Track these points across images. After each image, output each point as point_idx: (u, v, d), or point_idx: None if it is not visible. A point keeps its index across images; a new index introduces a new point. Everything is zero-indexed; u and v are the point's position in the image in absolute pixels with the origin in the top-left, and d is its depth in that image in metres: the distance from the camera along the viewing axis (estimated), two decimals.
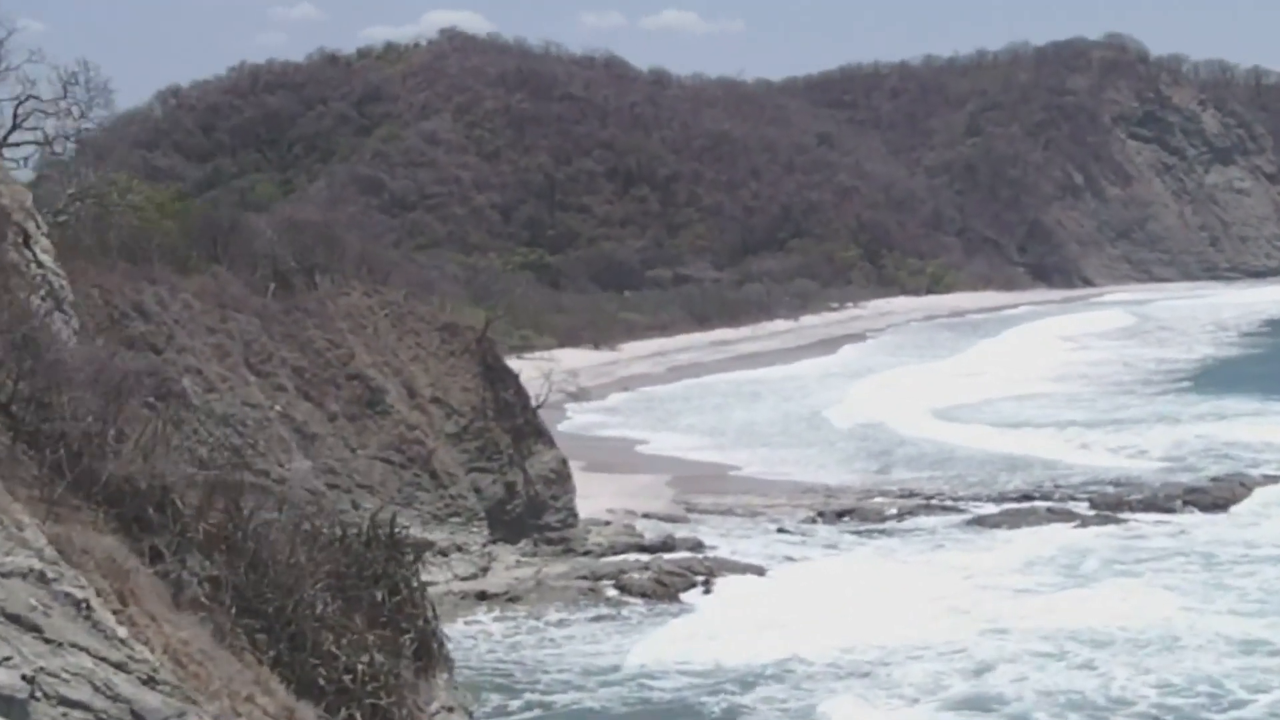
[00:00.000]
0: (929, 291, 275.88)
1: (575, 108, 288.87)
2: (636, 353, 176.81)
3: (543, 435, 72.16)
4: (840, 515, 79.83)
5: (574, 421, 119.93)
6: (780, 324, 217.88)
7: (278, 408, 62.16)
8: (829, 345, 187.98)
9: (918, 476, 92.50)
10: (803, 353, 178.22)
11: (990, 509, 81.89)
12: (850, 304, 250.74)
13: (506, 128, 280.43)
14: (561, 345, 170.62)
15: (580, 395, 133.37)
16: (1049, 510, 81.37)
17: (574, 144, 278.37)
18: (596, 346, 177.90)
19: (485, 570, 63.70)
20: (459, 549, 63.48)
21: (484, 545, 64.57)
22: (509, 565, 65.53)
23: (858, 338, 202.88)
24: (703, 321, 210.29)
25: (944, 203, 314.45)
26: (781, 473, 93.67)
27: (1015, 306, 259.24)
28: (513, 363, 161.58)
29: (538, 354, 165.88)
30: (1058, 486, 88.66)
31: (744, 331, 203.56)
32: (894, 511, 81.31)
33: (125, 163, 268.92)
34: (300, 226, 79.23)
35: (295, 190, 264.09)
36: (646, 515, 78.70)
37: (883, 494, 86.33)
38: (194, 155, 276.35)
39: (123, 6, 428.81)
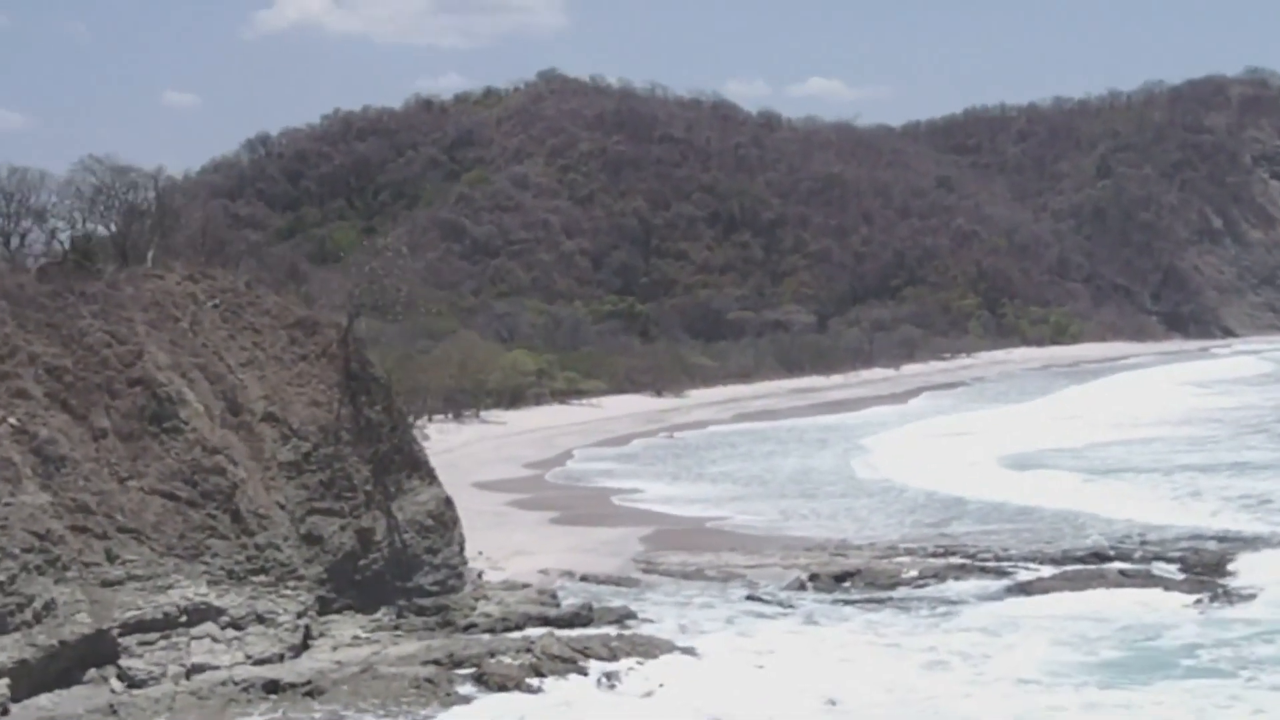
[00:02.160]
0: (1052, 342, 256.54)
1: (675, 150, 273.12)
2: (704, 399, 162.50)
3: (419, 467, 54.29)
4: (841, 578, 61.44)
5: (570, 469, 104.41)
6: (879, 372, 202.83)
7: (12, 420, 45.24)
8: (915, 393, 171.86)
9: (969, 531, 73.89)
10: (882, 400, 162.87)
11: (1046, 571, 63.11)
12: (963, 354, 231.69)
13: (601, 171, 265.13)
14: (621, 391, 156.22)
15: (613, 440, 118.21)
16: (1122, 574, 62.39)
17: (673, 187, 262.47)
18: (659, 393, 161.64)
19: (296, 650, 46.30)
20: (260, 619, 46.17)
21: (301, 615, 47.09)
22: (340, 644, 48.06)
23: (951, 386, 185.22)
24: (793, 369, 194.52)
25: (1071, 248, 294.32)
26: (785, 527, 75.80)
27: (1143, 356, 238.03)
28: (552, 409, 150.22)
29: (585, 400, 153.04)
30: (1144, 543, 69.35)
31: (835, 379, 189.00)
32: (913, 574, 62.82)
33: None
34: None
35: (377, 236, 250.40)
36: (586, 578, 60.92)
37: (909, 552, 67.74)
38: (278, 203, 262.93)
39: (233, 56, 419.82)
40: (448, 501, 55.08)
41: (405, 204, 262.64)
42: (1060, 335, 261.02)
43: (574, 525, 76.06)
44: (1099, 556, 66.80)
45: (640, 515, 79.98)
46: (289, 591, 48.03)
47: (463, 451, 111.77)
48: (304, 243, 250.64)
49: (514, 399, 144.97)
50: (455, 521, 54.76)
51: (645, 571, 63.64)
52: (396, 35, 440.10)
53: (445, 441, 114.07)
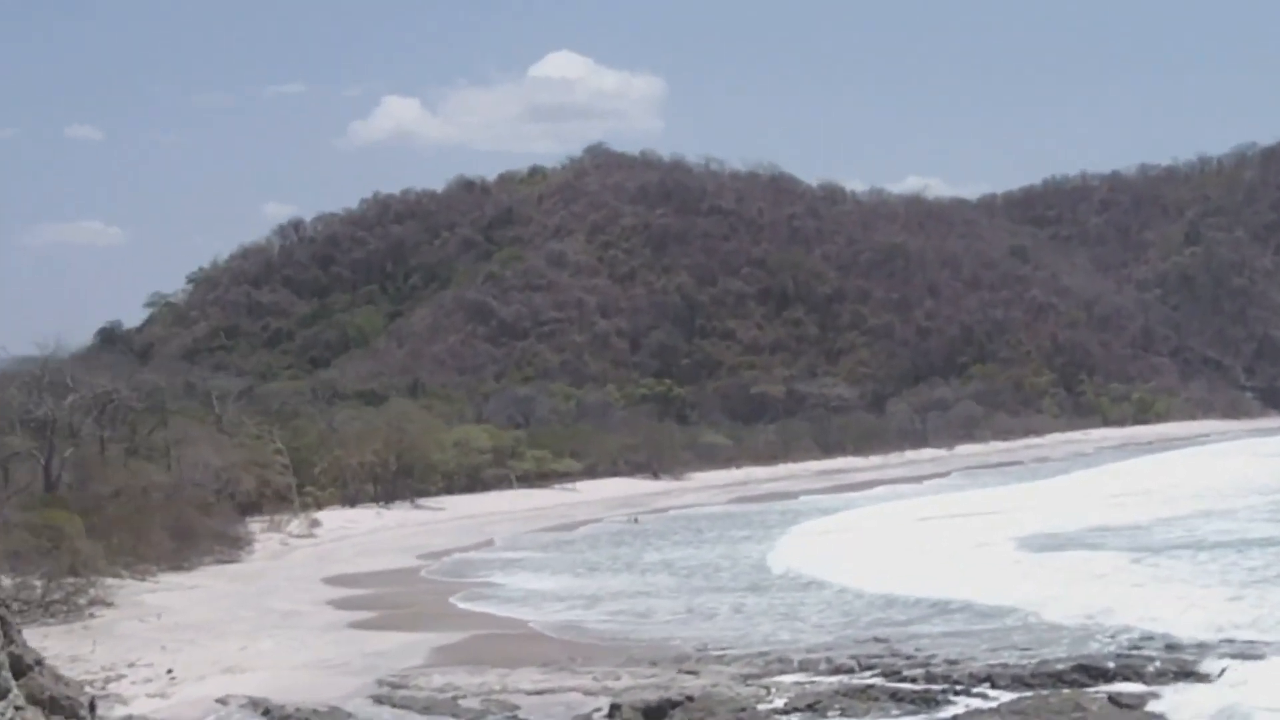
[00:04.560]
0: (1136, 421, 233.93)
1: (724, 222, 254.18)
2: (707, 482, 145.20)
3: None
4: (657, 712, 41.31)
5: (461, 560, 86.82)
6: (928, 453, 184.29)
7: None
8: (948, 473, 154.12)
9: (921, 635, 53.82)
10: (904, 480, 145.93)
11: (1001, 698, 42.60)
12: (1032, 434, 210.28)
13: (644, 246, 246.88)
14: (614, 473, 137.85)
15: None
16: (1114, 702, 41.74)
17: (720, 262, 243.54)
18: (656, 475, 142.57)
19: None
20: None
21: None
22: None
23: (1004, 465, 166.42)
24: (832, 451, 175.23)
25: (1156, 320, 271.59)
26: (649, 630, 56.38)
27: (1234, 432, 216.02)
28: (512, 494, 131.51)
29: (561, 484, 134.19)
30: (1170, 650, 48.29)
31: (873, 460, 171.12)
32: (776, 705, 42.55)
33: (224, 300, 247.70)
34: None
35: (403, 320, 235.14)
36: (270, 711, 41.47)
37: (803, 666, 47.57)
38: (306, 289, 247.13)
39: (330, 167, 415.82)
40: None
41: (437, 286, 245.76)
42: (1144, 413, 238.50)
43: (373, 630, 57.78)
44: (1089, 673, 45.87)
45: (468, 618, 61.22)
46: None
47: (357, 540, 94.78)
48: (327, 329, 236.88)
49: (473, 481, 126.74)
50: None
51: (378, 701, 44.06)
52: (490, 143, 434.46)
53: (352, 528, 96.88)
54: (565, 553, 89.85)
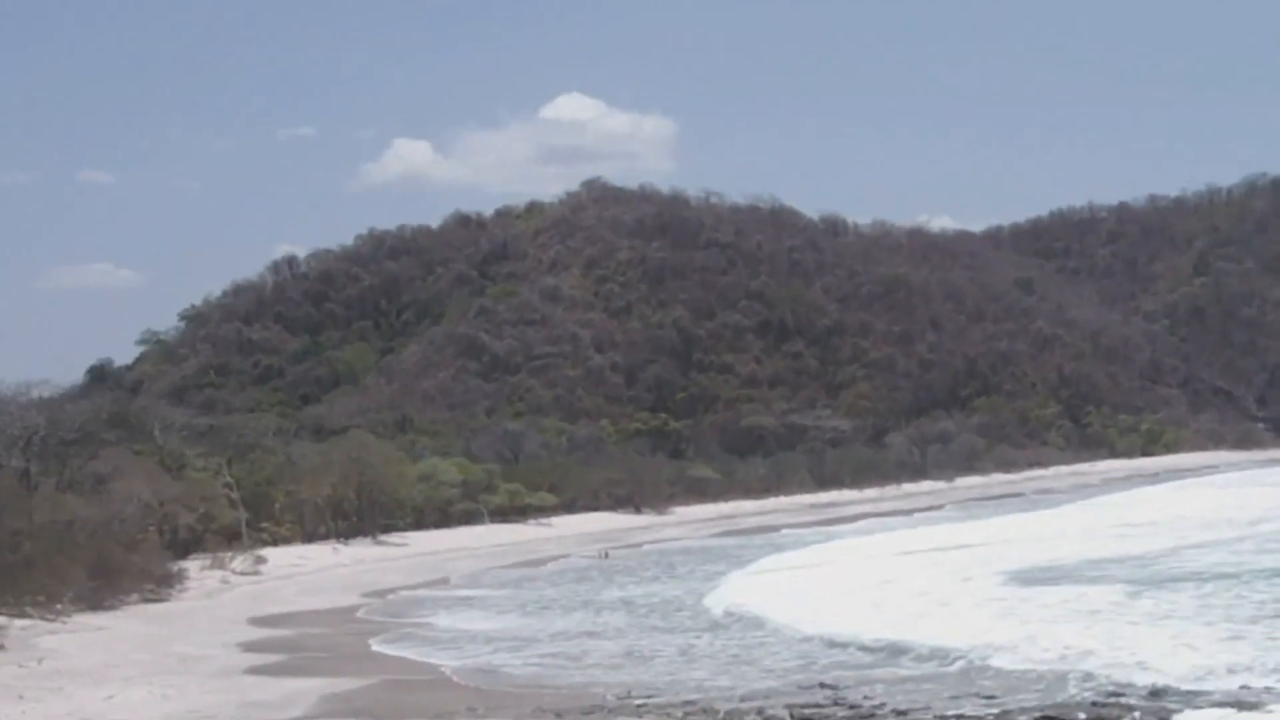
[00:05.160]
0: (1144, 453, 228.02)
1: (722, 255, 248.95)
2: (692, 516, 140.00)
3: None
4: None
5: (405, 598, 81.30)
6: (927, 485, 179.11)
7: None
8: (942, 506, 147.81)
9: (874, 680, 48.10)
10: (896, 512, 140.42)
11: None
12: (1037, 466, 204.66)
13: (641, 280, 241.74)
14: (595, 507, 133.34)
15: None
16: None
17: (718, 296, 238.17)
18: (639, 510, 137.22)
19: None
20: None
21: None
22: None
23: (1004, 497, 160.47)
24: (827, 484, 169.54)
25: (1165, 350, 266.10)
26: (571, 674, 50.79)
27: (1244, 463, 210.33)
28: (483, 529, 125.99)
29: (535, 519, 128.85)
30: (1154, 694, 42.46)
31: (869, 493, 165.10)
32: None
33: (215, 337, 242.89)
34: None
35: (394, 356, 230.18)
36: None
37: (729, 719, 41.94)
38: (298, 326, 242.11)
39: (341, 209, 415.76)
40: None
41: (430, 322, 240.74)
42: (1153, 445, 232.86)
43: (269, 676, 52.28)
44: None
45: (380, 662, 55.85)
46: None
47: (305, 578, 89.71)
48: (317, 366, 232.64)
49: (445, 516, 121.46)
50: None
51: None
52: (501, 184, 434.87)
53: (303, 565, 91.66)
54: (523, 590, 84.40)
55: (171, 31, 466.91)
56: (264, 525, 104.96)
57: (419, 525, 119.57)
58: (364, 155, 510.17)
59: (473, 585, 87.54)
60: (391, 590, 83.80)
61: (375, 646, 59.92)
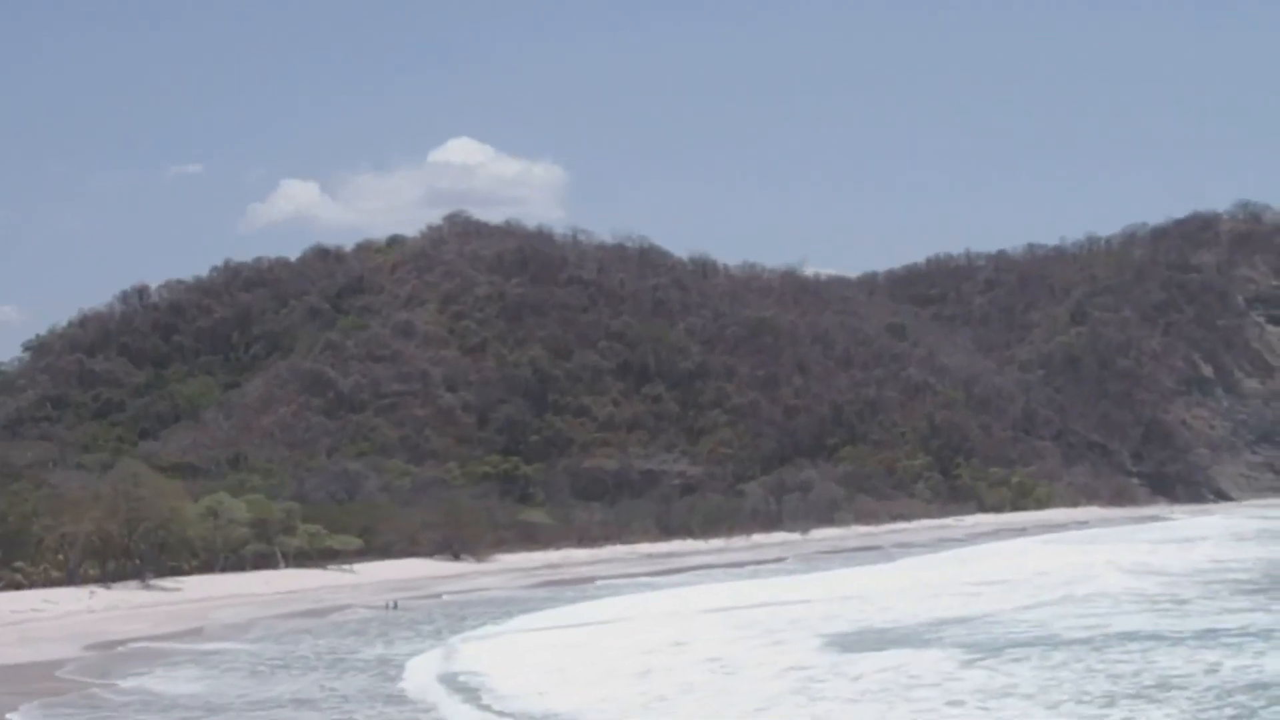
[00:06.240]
0: (1015, 506, 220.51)
1: (583, 293, 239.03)
2: (515, 564, 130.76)
3: None
4: None
5: (127, 653, 70.28)
6: (780, 536, 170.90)
7: None
8: (783, 560, 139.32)
9: None
10: (734, 566, 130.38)
11: None
12: (901, 519, 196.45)
13: (498, 317, 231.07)
14: (412, 553, 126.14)
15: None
16: None
17: (577, 335, 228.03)
18: (457, 556, 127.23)
19: None
20: None
21: None
22: None
23: (860, 550, 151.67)
24: (673, 532, 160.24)
25: (1039, 401, 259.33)
26: None
27: (1116, 519, 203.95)
28: (272, 574, 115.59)
29: (336, 564, 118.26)
30: None
31: (714, 544, 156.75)
32: None
33: (55, 368, 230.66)
34: None
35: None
36: None
37: None
38: (145, 358, 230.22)
39: (228, 249, 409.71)
40: None
41: (280, 355, 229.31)
42: (1024, 499, 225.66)
43: None
44: None
45: None
46: None
47: (33, 625, 79.92)
48: (159, 401, 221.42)
49: (239, 559, 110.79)
50: None
51: None
52: (391, 227, 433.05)
53: (42, 612, 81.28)
54: (280, 644, 74.16)
55: (59, 67, 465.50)
56: (17, 565, 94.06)
57: (208, 568, 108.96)
58: (253, 195, 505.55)
59: (226, 638, 77.18)
60: (125, 642, 73.33)
61: (14, 718, 49.44)
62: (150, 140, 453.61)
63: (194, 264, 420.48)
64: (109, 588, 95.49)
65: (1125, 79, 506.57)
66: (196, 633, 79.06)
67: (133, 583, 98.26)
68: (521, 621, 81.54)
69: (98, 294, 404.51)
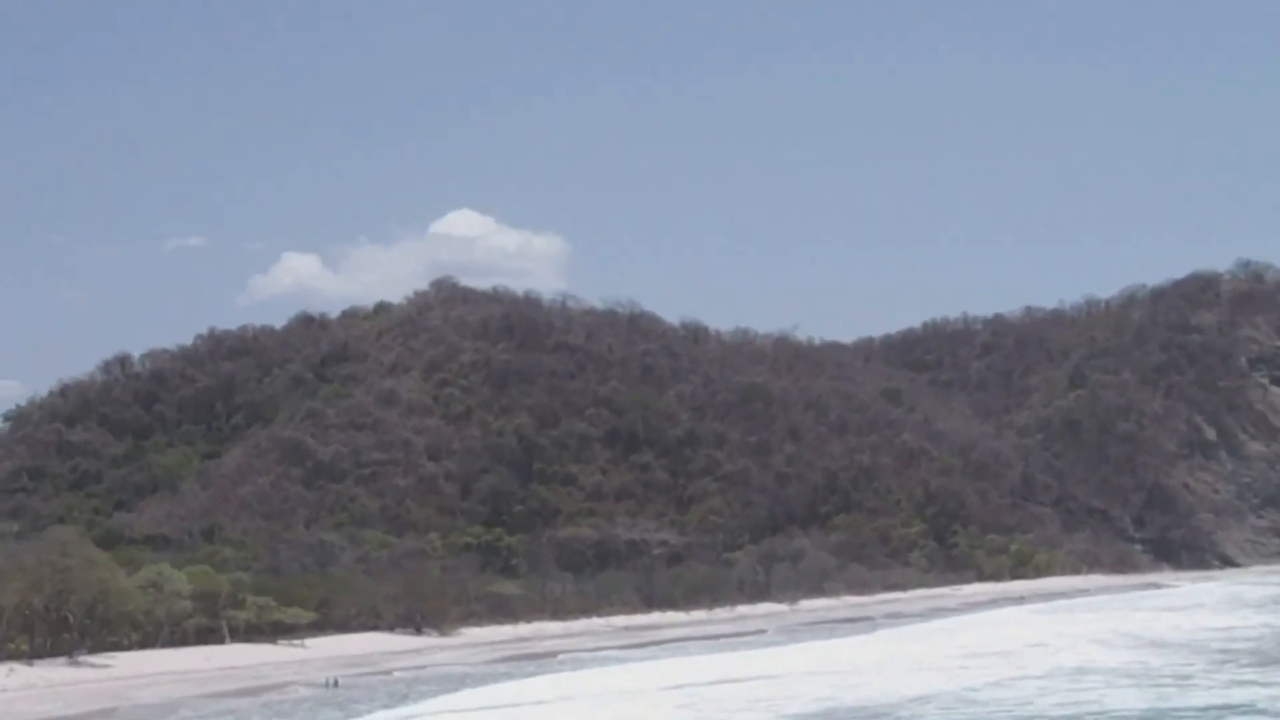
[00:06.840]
0: (1013, 575, 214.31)
1: (571, 359, 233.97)
2: (481, 639, 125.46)
3: None
4: None
5: None
6: (767, 607, 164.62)
7: None
8: (765, 631, 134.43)
9: None
10: (711, 638, 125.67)
11: None
12: (896, 588, 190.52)
13: (483, 384, 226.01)
14: (373, 626, 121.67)
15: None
16: None
17: (564, 402, 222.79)
18: (419, 630, 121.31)
19: None
20: None
21: None
22: None
23: (849, 621, 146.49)
24: (653, 604, 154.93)
25: (1037, 467, 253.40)
26: None
27: (1119, 588, 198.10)
28: (214, 650, 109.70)
29: (287, 639, 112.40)
30: None
31: (695, 615, 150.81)
32: None
33: (33, 438, 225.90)
34: None
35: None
36: None
37: None
38: (125, 429, 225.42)
39: (229, 322, 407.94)
40: None
41: (262, 425, 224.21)
42: (1023, 567, 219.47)
43: None
44: None
45: None
46: None
47: None
48: (136, 472, 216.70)
49: (184, 634, 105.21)
50: None
51: None
52: (392, 300, 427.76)
53: None
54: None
55: (61, 137, 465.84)
56: None
57: (150, 643, 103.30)
58: (254, 268, 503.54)
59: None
60: None
61: None
62: (151, 213, 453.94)
63: (189, 336, 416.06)
64: (31, 664, 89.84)
65: (1121, 139, 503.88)
66: (107, 714, 73.40)
67: (61, 659, 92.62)
68: (463, 698, 75.80)
69: (89, 365, 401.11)
